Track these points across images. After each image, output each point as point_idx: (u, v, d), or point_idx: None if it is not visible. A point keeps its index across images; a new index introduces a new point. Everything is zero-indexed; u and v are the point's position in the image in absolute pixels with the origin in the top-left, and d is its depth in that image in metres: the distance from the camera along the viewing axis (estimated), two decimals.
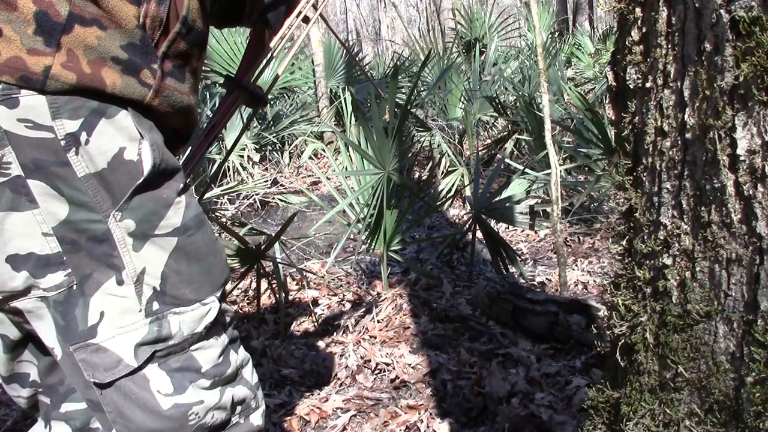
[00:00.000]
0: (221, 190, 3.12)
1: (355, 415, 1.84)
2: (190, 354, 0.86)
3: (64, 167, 0.75)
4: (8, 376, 1.00)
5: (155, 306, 0.83)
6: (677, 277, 0.75)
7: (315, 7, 1.23)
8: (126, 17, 0.78)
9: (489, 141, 5.17)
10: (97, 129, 0.76)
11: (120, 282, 0.80)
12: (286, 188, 5.27)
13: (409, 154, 3.48)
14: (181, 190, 0.85)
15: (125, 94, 0.78)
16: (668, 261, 0.76)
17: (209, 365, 0.88)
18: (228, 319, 0.94)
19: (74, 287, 0.79)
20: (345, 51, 6.36)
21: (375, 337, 2.29)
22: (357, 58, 6.72)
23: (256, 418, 0.97)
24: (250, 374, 0.96)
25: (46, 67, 0.72)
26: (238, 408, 0.93)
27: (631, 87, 0.80)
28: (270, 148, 5.73)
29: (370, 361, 2.13)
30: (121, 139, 0.78)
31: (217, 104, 5.59)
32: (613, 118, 0.87)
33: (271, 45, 1.22)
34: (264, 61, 1.24)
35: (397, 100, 4.51)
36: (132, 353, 0.81)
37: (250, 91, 1.20)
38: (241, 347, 0.96)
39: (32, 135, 0.73)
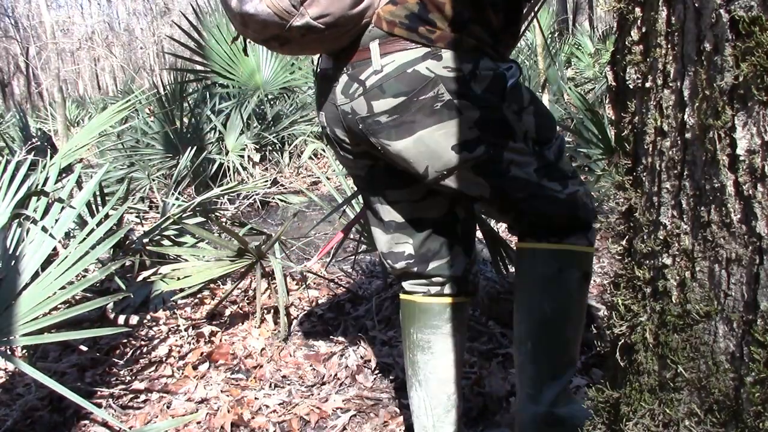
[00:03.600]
0: (221, 190, 3.10)
1: (355, 415, 1.84)
2: (558, 167, 1.32)
3: (470, 90, 1.19)
4: (387, 252, 1.42)
5: (535, 147, 1.30)
6: (677, 277, 0.75)
7: None
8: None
9: None
10: (480, 65, 1.20)
11: (516, 140, 1.25)
12: (286, 188, 5.26)
13: None
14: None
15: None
16: (668, 261, 0.76)
17: (570, 171, 1.35)
18: None
19: (491, 154, 1.23)
20: None
21: (375, 337, 2.29)
22: None
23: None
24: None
25: (457, 39, 1.17)
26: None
27: (631, 87, 0.80)
28: (270, 148, 5.72)
29: (370, 361, 2.13)
30: (490, 65, 1.23)
31: (217, 104, 5.61)
32: (613, 118, 0.87)
33: None
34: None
35: None
36: (534, 175, 1.28)
37: None
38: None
39: (451, 75, 1.17)
